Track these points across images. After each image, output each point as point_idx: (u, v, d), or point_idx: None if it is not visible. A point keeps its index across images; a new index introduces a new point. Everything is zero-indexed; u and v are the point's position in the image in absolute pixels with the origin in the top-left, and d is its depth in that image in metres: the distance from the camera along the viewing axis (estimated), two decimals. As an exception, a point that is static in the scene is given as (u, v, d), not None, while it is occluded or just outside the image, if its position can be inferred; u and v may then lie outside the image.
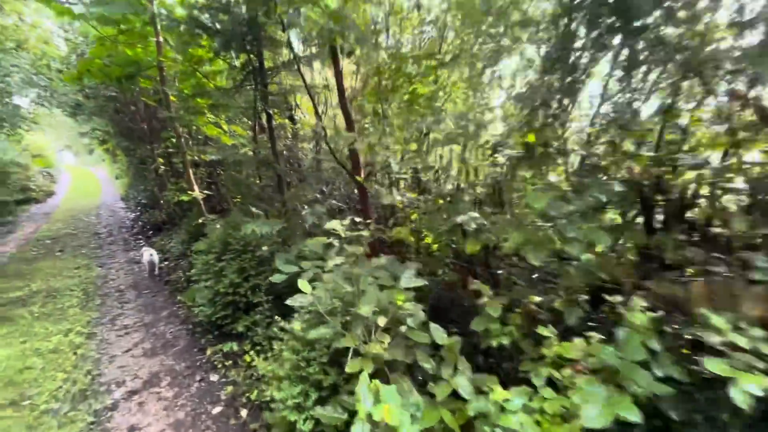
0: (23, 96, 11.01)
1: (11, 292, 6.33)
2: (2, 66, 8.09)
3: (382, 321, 1.95)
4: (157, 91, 7.87)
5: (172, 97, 6.23)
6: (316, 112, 3.65)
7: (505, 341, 2.03)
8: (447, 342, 2.05)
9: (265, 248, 4.12)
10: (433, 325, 2.12)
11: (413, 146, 3.76)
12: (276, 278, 2.77)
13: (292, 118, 7.48)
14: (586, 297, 2.22)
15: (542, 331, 2.03)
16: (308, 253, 4.25)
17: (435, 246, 3.46)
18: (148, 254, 6.87)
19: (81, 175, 24.96)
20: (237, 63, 5.95)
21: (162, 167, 8.28)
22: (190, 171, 6.29)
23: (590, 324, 2.26)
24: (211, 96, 5.25)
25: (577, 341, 1.95)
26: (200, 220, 6.16)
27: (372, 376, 1.91)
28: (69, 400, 3.55)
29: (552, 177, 2.32)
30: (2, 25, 7.92)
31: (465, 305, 3.17)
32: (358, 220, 4.55)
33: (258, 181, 6.22)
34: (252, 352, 3.89)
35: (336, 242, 3.94)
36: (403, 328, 2.00)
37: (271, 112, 5.06)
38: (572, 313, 2.04)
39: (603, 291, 2.12)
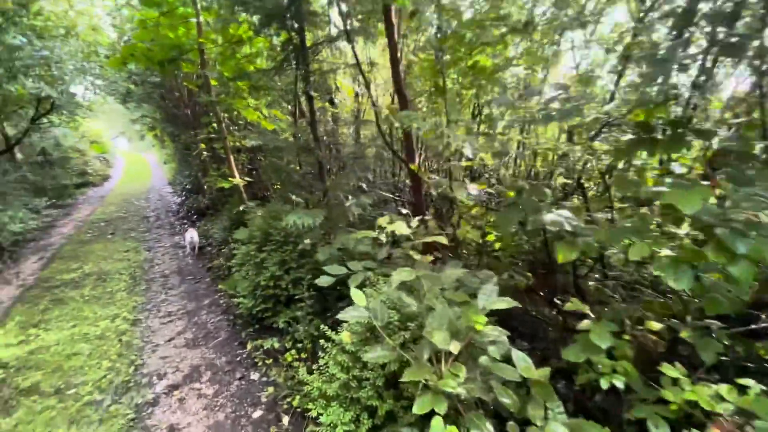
0: (77, 84, 11.32)
1: (66, 273, 6.48)
2: (55, 53, 8.25)
3: (455, 347, 1.53)
4: (199, 76, 7.73)
5: (212, 81, 6.01)
6: (368, 91, 3.20)
7: (619, 382, 1.55)
8: (537, 375, 1.60)
9: (307, 241, 3.79)
10: (516, 353, 1.67)
11: (481, 128, 3.26)
12: (322, 281, 2.40)
13: (332, 102, 7.10)
14: (718, 324, 1.69)
15: (668, 370, 1.53)
16: (352, 247, 3.89)
17: (498, 245, 2.97)
18: (190, 236, 7.21)
19: (133, 161, 26.12)
20: (277, 41, 5.62)
21: (204, 153, 8.20)
22: (231, 157, 6.09)
23: (724, 359, 1.72)
24: (251, 78, 4.93)
25: (723, 388, 1.44)
26: (241, 208, 5.97)
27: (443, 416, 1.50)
28: (111, 392, 3.44)
29: (675, 167, 1.78)
30: (53, 11, 8.03)
31: (534, 316, 2.68)
32: (404, 212, 4.12)
33: (298, 168, 5.92)
34: (293, 351, 3.62)
35: (383, 237, 3.54)
36: (483, 359, 1.58)
37: (312, 94, 4.67)
38: (709, 348, 1.53)
39: (748, 319, 1.59)
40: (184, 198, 11.41)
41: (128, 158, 27.28)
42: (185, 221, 9.56)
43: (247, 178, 6.33)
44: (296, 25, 4.57)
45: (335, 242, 3.74)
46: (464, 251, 3.12)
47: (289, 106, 8.02)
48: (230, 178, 6.02)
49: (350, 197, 3.74)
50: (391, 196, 4.11)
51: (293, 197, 6.75)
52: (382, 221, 2.54)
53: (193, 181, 10.69)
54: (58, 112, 12.65)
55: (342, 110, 7.69)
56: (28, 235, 8.68)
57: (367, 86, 3.21)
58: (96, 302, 5.30)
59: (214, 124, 7.79)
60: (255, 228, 4.43)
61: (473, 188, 2.34)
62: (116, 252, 7.53)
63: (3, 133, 13.56)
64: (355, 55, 3.02)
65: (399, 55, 2.72)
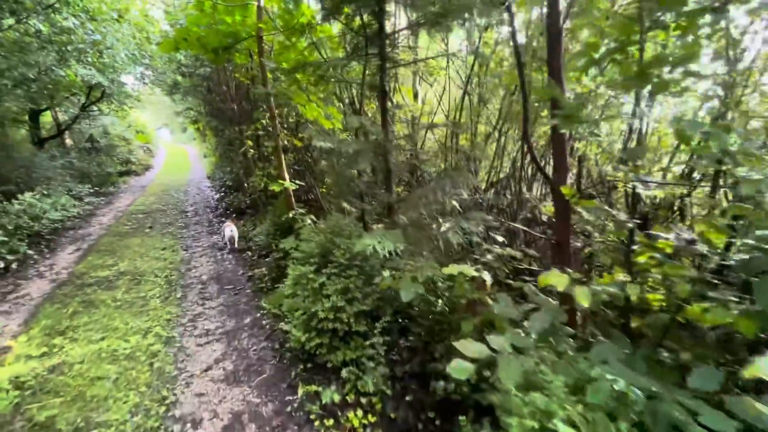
0: (127, 73, 11.04)
1: (100, 270, 5.96)
2: (107, 39, 7.85)
3: None
4: (251, 69, 7.12)
5: (268, 74, 5.33)
6: (522, 81, 2.24)
7: None
8: None
9: (387, 273, 2.97)
10: None
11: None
12: (458, 371, 1.51)
13: (390, 101, 6.32)
14: None
15: None
16: (441, 284, 3.06)
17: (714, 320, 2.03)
18: (229, 230, 6.82)
19: (175, 152, 26.28)
20: (340, 29, 4.90)
21: (251, 151, 7.57)
22: (282, 157, 5.39)
23: None
24: (319, 68, 4.18)
25: None
26: (290, 214, 5.26)
27: None
28: (137, 442, 2.73)
29: None
30: None
31: None
32: (500, 239, 3.26)
33: (356, 174, 5.14)
34: (359, 412, 2.81)
35: (487, 275, 2.69)
36: None
37: (386, 89, 3.88)
38: None
39: None
40: (223, 194, 10.93)
41: (170, 149, 27.53)
42: (224, 219, 8.99)
43: (297, 182, 5.61)
44: (376, 8, 3.80)
45: (417, 273, 2.91)
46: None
47: (341, 104, 7.31)
48: (280, 181, 5.32)
49: (440, 219, 2.90)
50: (517, 224, 3.20)
51: (345, 205, 5.99)
52: (552, 279, 1.64)
53: (234, 178, 10.16)
54: (108, 101, 12.50)
55: (399, 112, 6.90)
56: (68, 223, 8.34)
57: (522, 80, 2.28)
58: (128, 309, 4.69)
59: (263, 121, 7.16)
60: (314, 246, 3.65)
61: (686, 233, 1.46)
62: (153, 249, 6.99)
63: (55, 119, 13.58)
64: (513, 29, 2.15)
65: (562, 23, 1.86)
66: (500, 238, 3.14)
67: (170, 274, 5.82)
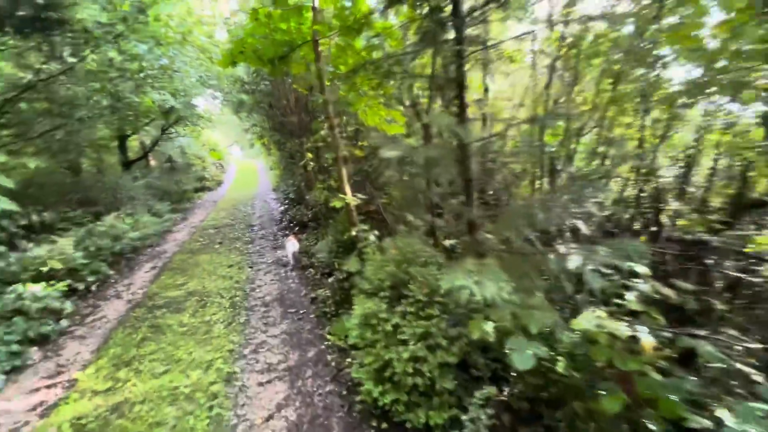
0: (197, 95, 11.47)
1: (171, 290, 5.89)
2: (176, 64, 8.06)
3: None
4: (308, 78, 6.76)
5: (326, 81, 4.85)
6: None
7: None
8: None
9: (489, 327, 2.20)
10: None
11: None
12: None
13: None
14: None
15: None
16: (565, 339, 2.22)
17: None
18: (291, 245, 6.63)
19: (244, 167, 27.65)
20: (400, 20, 4.24)
21: (311, 163, 7.20)
22: (344, 170, 4.84)
23: None
24: (379, 67, 3.55)
25: None
26: (353, 232, 4.69)
27: None
28: None
29: None
30: (169, 14, 7.75)
31: None
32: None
33: (426, 184, 4.43)
34: None
35: (645, 333, 1.81)
36: None
37: (465, 79, 3.11)
38: None
39: None
40: (286, 206, 10.85)
41: (239, 165, 29.05)
42: (287, 233, 8.79)
43: (359, 196, 5.03)
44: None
45: (530, 322, 2.09)
46: None
47: (401, 107, 6.65)
48: (341, 195, 4.78)
49: (562, 247, 2.07)
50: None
51: (411, 219, 5.30)
52: None
53: (296, 190, 10.00)
54: (183, 123, 13.19)
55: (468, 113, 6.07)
56: (147, 241, 8.63)
57: None
58: (192, 336, 4.42)
59: (322, 132, 6.76)
60: (384, 275, 2.99)
61: None
62: (221, 266, 6.87)
63: (142, 142, 14.69)
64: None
65: None
66: (645, 269, 2.21)
67: (235, 295, 5.56)
